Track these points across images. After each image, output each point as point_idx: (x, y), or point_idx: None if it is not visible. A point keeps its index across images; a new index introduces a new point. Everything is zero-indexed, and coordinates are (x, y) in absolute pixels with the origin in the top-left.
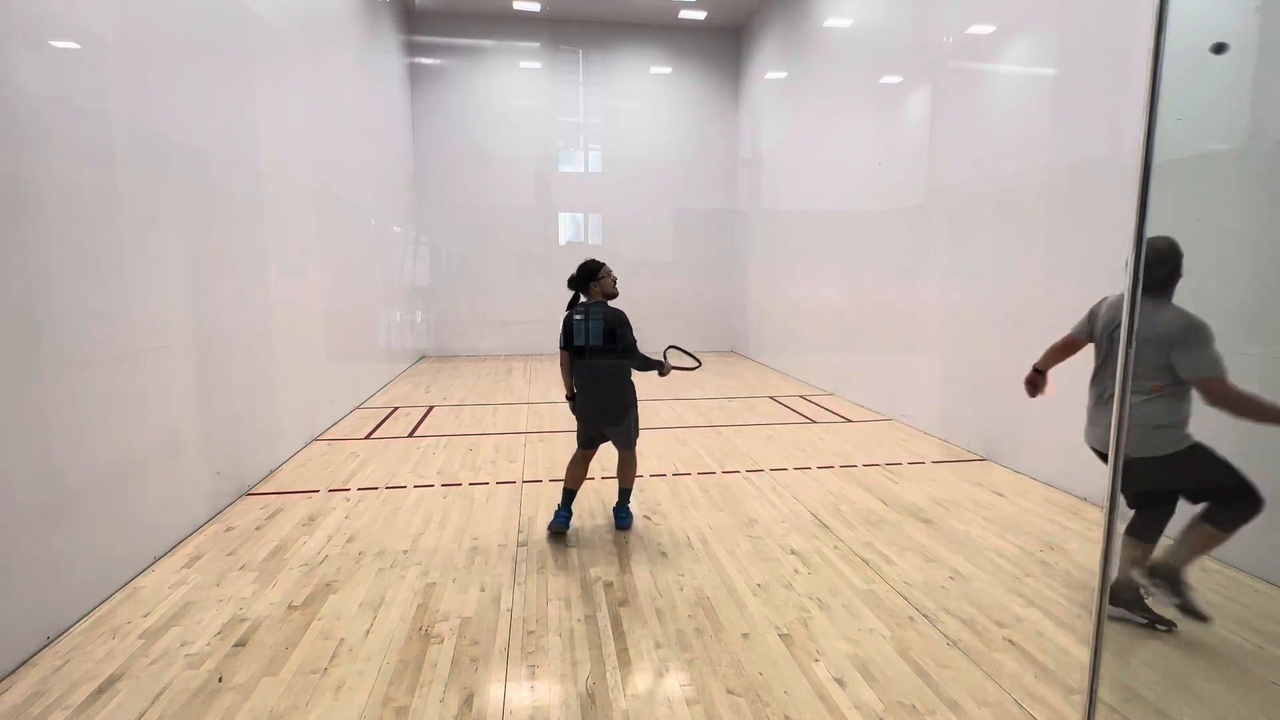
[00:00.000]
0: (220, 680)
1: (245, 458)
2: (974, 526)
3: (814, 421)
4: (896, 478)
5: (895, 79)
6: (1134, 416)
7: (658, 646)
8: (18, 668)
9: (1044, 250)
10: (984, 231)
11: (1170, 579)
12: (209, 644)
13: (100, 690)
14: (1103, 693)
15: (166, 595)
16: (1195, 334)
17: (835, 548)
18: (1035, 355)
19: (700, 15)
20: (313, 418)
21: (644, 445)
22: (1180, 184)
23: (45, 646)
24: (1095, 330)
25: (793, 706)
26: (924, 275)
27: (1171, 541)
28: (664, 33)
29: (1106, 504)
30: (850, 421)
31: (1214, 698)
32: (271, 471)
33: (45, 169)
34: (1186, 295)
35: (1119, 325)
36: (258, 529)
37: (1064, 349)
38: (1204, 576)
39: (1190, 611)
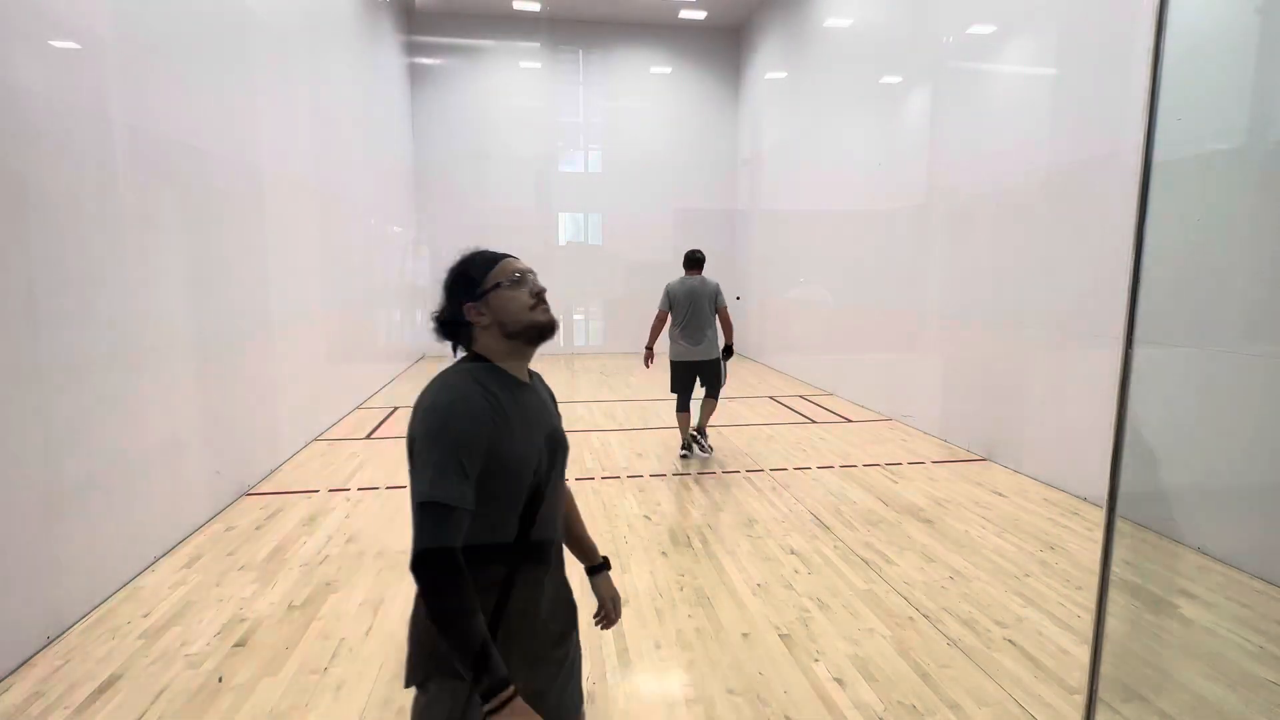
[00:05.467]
0: (220, 680)
1: (245, 458)
2: (974, 526)
3: (814, 421)
4: (896, 478)
5: (895, 79)
6: (709, 338)
7: (658, 646)
8: (18, 668)
9: (1044, 250)
10: (984, 231)
11: (701, 433)
12: (209, 644)
13: (100, 690)
14: (1103, 693)
15: (166, 595)
16: (720, 289)
17: (835, 548)
18: (1035, 355)
19: (700, 15)
20: (313, 418)
21: (645, 445)
22: (1180, 184)
23: (45, 646)
24: (675, 304)
25: (793, 706)
26: (924, 275)
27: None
28: (664, 33)
29: (1106, 503)
30: (850, 421)
31: (1214, 698)
32: (271, 471)
33: (45, 169)
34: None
35: (692, 297)
36: (258, 529)
37: (659, 325)
38: (1203, 576)
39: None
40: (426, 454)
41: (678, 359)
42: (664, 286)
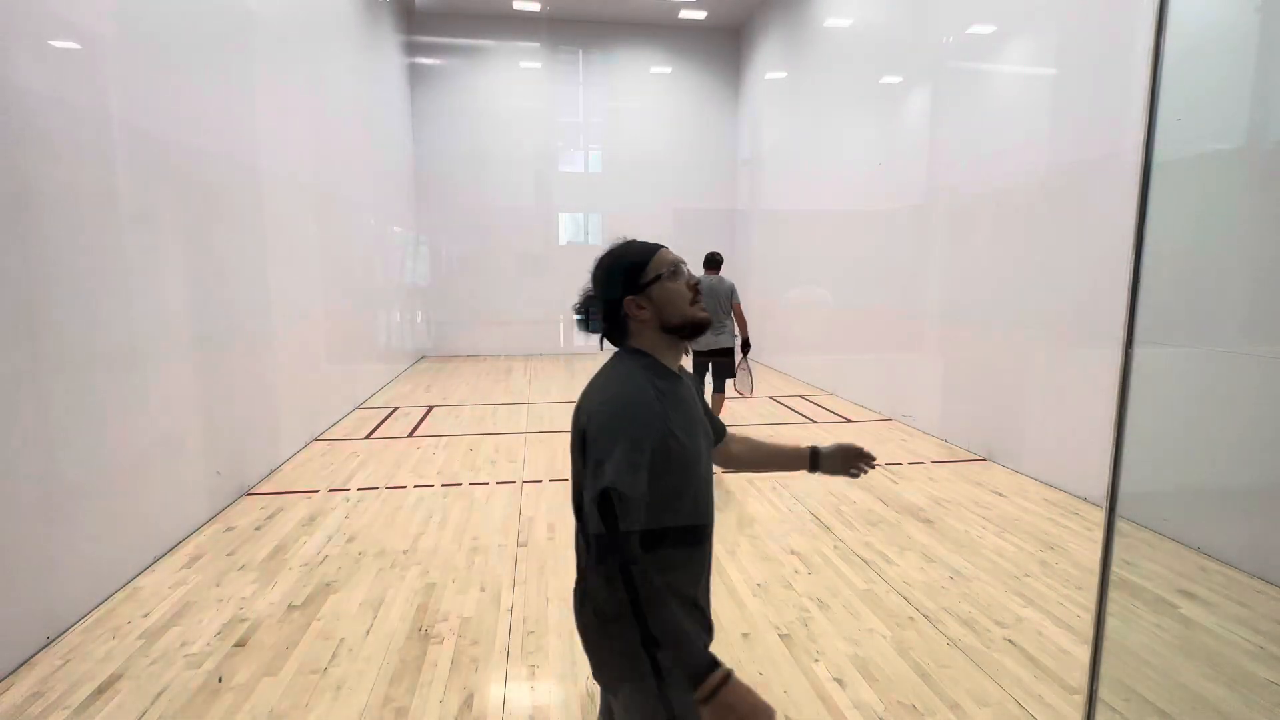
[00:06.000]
0: (220, 680)
1: (245, 458)
2: (974, 526)
3: (814, 421)
4: (896, 478)
5: (895, 79)
6: (727, 329)
7: None
8: (18, 668)
9: (1044, 250)
10: (984, 231)
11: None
12: (209, 644)
13: (100, 690)
14: (1103, 693)
15: (166, 595)
16: (734, 287)
17: (835, 548)
18: (1035, 355)
19: (700, 15)
20: (313, 418)
21: None
22: (1180, 184)
23: (45, 646)
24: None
25: (793, 706)
26: (924, 275)
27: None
28: (664, 33)
29: (1106, 503)
30: (850, 421)
31: (1214, 698)
32: (271, 471)
33: (45, 169)
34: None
35: (711, 294)
36: (258, 529)
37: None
38: (1203, 576)
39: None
40: (606, 446)
41: (698, 348)
42: None
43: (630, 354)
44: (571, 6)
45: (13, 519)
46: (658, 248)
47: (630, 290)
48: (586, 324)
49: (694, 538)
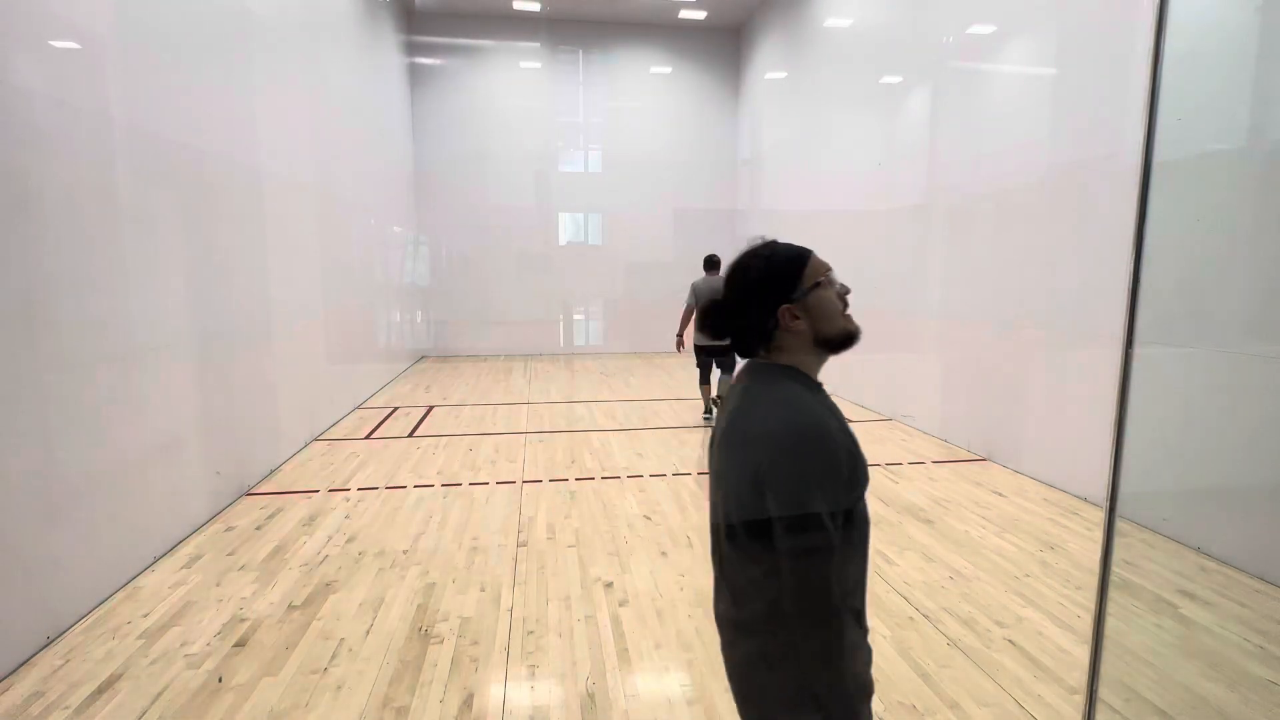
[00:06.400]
0: (220, 680)
1: (245, 458)
2: (974, 526)
3: None
4: (896, 478)
5: (895, 79)
6: None
7: (658, 646)
8: (18, 668)
9: (1044, 250)
10: (984, 231)
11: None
12: (209, 644)
13: (100, 690)
14: (1103, 693)
15: (166, 595)
16: None
17: None
18: (1035, 355)
19: (700, 15)
20: (313, 418)
21: (645, 445)
22: (1180, 184)
23: (45, 646)
24: (698, 298)
25: None
26: (924, 275)
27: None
28: (664, 33)
29: (1106, 503)
30: (850, 421)
31: (1214, 698)
32: (271, 471)
33: (45, 169)
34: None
35: (711, 294)
36: (258, 529)
37: (687, 316)
38: (1203, 576)
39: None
40: (802, 489)
41: (698, 344)
42: (690, 284)
43: (781, 370)
44: (571, 6)
45: (12, 519)
46: (808, 251)
47: (785, 299)
48: (720, 334)
49: (865, 551)
